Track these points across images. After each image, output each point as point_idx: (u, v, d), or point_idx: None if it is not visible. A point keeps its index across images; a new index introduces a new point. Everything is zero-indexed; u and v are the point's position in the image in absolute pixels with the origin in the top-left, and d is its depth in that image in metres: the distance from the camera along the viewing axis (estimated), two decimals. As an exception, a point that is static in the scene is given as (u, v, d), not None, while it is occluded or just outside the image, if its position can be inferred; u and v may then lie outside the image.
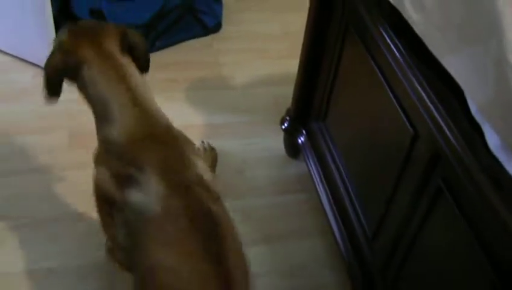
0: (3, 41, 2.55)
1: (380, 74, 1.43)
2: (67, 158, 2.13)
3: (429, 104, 1.18)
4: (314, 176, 1.93)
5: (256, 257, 1.88)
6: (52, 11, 2.39)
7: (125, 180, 1.35)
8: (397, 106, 1.35)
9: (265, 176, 2.18)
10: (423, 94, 1.20)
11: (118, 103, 1.40)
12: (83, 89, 1.47)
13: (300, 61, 1.94)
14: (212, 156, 2.17)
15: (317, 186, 1.90)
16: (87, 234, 1.88)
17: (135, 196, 1.33)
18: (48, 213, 1.95)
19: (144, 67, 1.53)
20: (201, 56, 2.74)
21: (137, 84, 1.43)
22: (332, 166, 1.85)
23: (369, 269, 1.61)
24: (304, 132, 2.04)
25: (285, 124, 2.12)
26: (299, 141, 2.05)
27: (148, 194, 1.32)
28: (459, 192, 1.13)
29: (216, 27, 2.89)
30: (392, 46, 1.31)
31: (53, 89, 1.54)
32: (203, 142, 2.19)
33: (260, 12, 3.06)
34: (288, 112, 2.12)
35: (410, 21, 1.23)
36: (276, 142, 2.24)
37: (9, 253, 1.84)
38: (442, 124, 1.14)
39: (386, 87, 1.39)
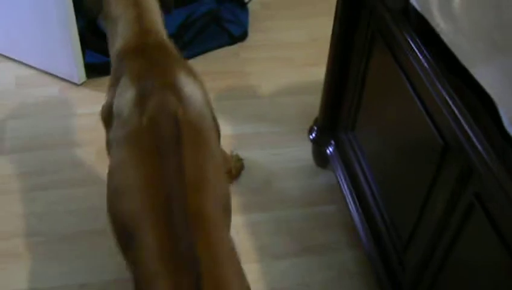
0: (31, 55, 2.58)
1: (408, 84, 1.38)
2: (95, 173, 2.12)
3: (459, 115, 1.13)
4: (343, 188, 1.89)
5: (286, 270, 1.86)
6: (78, 25, 2.41)
7: (114, 90, 1.43)
8: (426, 117, 1.30)
9: (294, 187, 2.14)
10: (452, 105, 1.16)
11: (125, 20, 1.52)
12: (103, 12, 1.61)
13: (327, 71, 1.90)
14: (237, 167, 2.15)
15: (347, 198, 1.86)
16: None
17: (115, 102, 1.40)
18: (77, 228, 1.95)
19: (166, 2, 1.65)
20: (228, 65, 2.72)
21: (148, 8, 1.54)
22: (362, 177, 1.80)
23: (399, 283, 1.56)
24: (332, 142, 2.00)
25: (313, 134, 2.08)
26: (328, 151, 2.00)
27: (123, 99, 1.38)
28: (492, 208, 1.08)
29: (242, 36, 2.87)
30: (420, 55, 1.27)
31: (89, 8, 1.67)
32: (231, 151, 2.18)
33: (286, 20, 3.03)
34: (316, 122, 2.08)
35: (438, 29, 1.18)
36: (305, 152, 2.20)
37: (41, 269, 1.84)
38: (473, 136, 1.09)
39: (415, 97, 1.35)
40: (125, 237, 1.23)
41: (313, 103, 2.13)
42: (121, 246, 1.29)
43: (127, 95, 1.38)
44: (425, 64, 1.24)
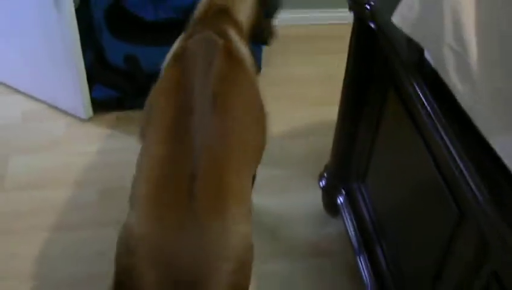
0: (38, 89, 2.54)
1: (422, 142, 1.29)
2: (96, 216, 2.05)
3: (472, 184, 1.03)
4: (352, 239, 1.79)
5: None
6: (87, 59, 2.36)
7: None
8: (441, 180, 1.21)
9: (302, 236, 2.04)
10: (465, 172, 1.06)
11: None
12: None
13: (338, 119, 1.82)
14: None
15: (355, 251, 1.76)
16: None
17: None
18: (76, 274, 1.87)
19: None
20: (239, 102, 2.64)
21: None
22: (372, 231, 1.70)
23: None
24: (342, 191, 1.90)
25: (323, 182, 1.98)
26: (338, 201, 1.91)
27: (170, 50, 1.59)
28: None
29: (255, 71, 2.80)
30: (433, 114, 1.16)
31: None
32: None
33: (300, 55, 2.96)
34: (326, 169, 1.99)
35: (454, 91, 1.09)
36: (314, 198, 2.10)
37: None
38: (489, 209, 0.99)
39: (429, 157, 1.25)
40: (148, 113, 1.38)
41: (325, 144, 2.02)
42: (143, 122, 1.40)
43: (175, 45, 1.58)
44: (439, 126, 1.15)
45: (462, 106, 1.07)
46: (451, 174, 1.12)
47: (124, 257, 1.13)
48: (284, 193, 2.20)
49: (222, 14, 1.62)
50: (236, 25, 1.63)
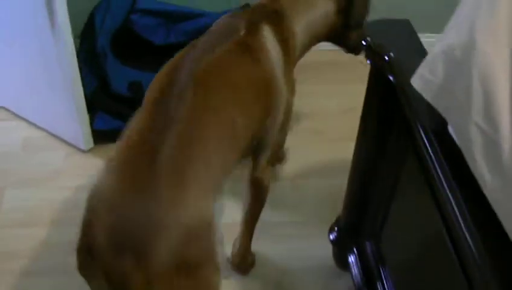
0: (40, 117, 2.44)
1: (441, 221, 1.12)
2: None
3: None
4: (362, 305, 1.63)
5: None
6: (90, 86, 2.24)
7: None
8: (459, 270, 1.04)
9: (309, 290, 1.87)
10: (482, 265, 0.90)
11: None
12: None
13: (351, 176, 1.65)
14: (248, 262, 1.91)
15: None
16: None
17: None
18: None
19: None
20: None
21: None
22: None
23: None
24: (354, 249, 1.73)
25: (334, 235, 1.81)
26: (349, 259, 1.74)
27: None
28: None
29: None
30: (453, 199, 0.99)
31: None
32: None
33: (318, 85, 2.77)
34: (337, 221, 1.81)
35: (479, 181, 0.92)
36: (325, 248, 1.91)
37: None
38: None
39: (447, 238, 1.09)
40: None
41: (340, 186, 1.84)
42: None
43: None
44: (459, 213, 0.97)
45: (490, 201, 0.90)
46: (472, 268, 0.96)
47: (86, 215, 1.18)
48: (291, 242, 2.04)
49: (273, 15, 1.59)
50: (281, 30, 1.59)
